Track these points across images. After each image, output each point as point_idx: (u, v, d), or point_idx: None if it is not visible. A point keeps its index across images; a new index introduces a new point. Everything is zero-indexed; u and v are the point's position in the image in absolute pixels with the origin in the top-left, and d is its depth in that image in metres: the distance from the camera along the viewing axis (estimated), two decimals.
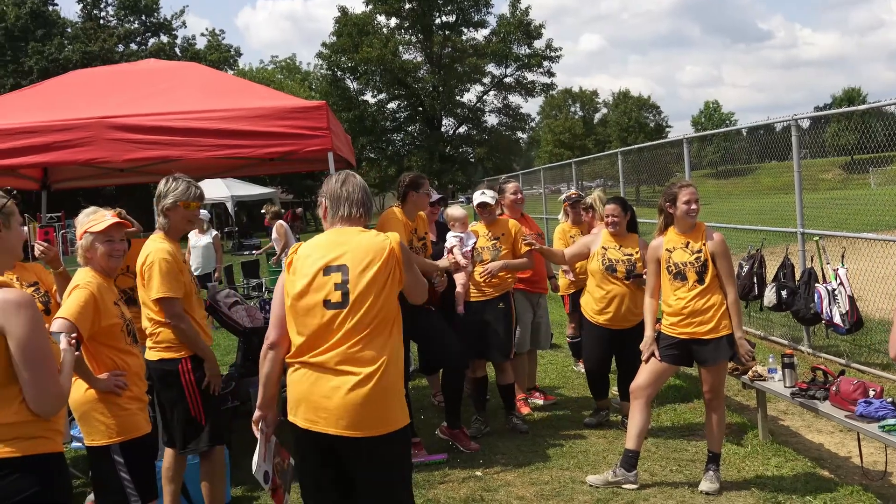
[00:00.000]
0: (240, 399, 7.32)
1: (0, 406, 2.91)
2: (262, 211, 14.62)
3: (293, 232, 14.54)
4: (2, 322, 2.84)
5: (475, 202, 7.10)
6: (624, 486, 5.61)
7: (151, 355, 4.82)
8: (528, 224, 7.72)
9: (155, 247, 4.83)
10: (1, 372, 2.89)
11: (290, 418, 3.53)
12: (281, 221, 13.96)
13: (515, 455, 6.45)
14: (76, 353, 3.67)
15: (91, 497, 5.73)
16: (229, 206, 35.67)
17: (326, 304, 3.45)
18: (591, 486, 5.68)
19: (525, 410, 7.49)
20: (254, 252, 28.48)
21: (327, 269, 3.49)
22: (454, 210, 7.08)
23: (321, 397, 3.42)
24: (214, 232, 13.40)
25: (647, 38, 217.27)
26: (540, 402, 7.83)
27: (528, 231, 7.41)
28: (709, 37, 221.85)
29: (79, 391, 4.06)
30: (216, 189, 32.89)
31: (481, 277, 6.82)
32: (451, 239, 6.75)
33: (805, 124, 9.72)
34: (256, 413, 3.81)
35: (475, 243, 6.87)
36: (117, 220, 4.32)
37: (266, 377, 3.71)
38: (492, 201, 7.02)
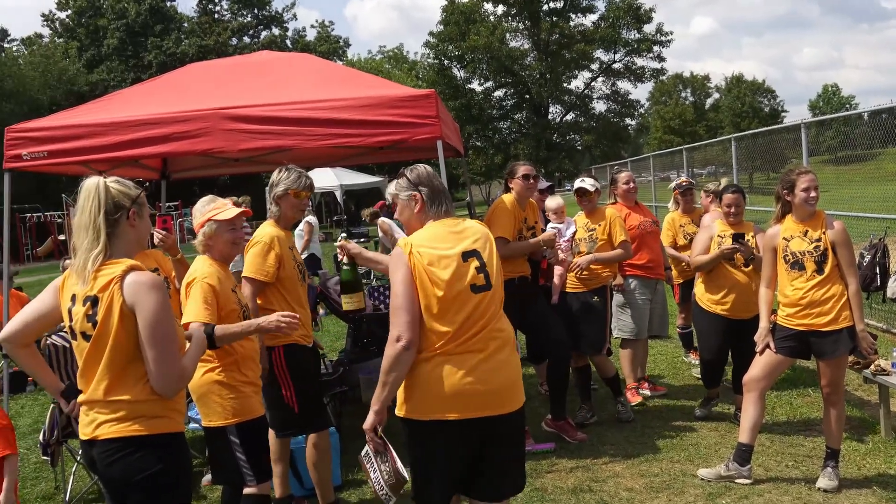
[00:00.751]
0: (349, 385, 7.45)
1: (127, 383, 3.08)
2: (363, 217, 14.85)
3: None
4: (133, 301, 3.00)
5: (574, 188, 7.07)
6: (737, 480, 5.47)
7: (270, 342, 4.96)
8: (642, 213, 7.61)
9: (265, 231, 5.03)
10: (130, 350, 3.05)
11: (435, 415, 3.48)
12: (381, 218, 14.07)
13: (624, 446, 6.37)
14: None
15: (207, 477, 5.94)
16: (338, 194, 36.22)
17: (473, 288, 3.52)
18: (702, 479, 5.57)
19: (637, 399, 7.38)
20: (361, 240, 28.88)
21: (465, 256, 3.54)
22: (550, 201, 7.06)
23: (480, 382, 3.48)
24: (309, 217, 13.61)
25: (762, 19, 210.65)
26: (647, 392, 7.71)
27: (638, 220, 7.33)
28: (829, 17, 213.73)
29: (197, 374, 4.21)
30: (325, 178, 33.43)
31: (572, 272, 6.78)
32: (549, 230, 6.70)
33: None
34: (373, 418, 3.58)
35: (574, 234, 6.82)
36: (243, 209, 4.45)
37: (396, 379, 3.50)
38: (590, 188, 6.93)
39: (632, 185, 7.62)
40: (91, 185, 3.14)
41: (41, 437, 5.95)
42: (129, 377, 3.07)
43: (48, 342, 6.03)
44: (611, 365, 7.13)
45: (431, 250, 3.52)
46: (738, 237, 6.37)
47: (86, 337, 3.08)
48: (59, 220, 34.65)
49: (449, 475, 3.59)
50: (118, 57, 55.51)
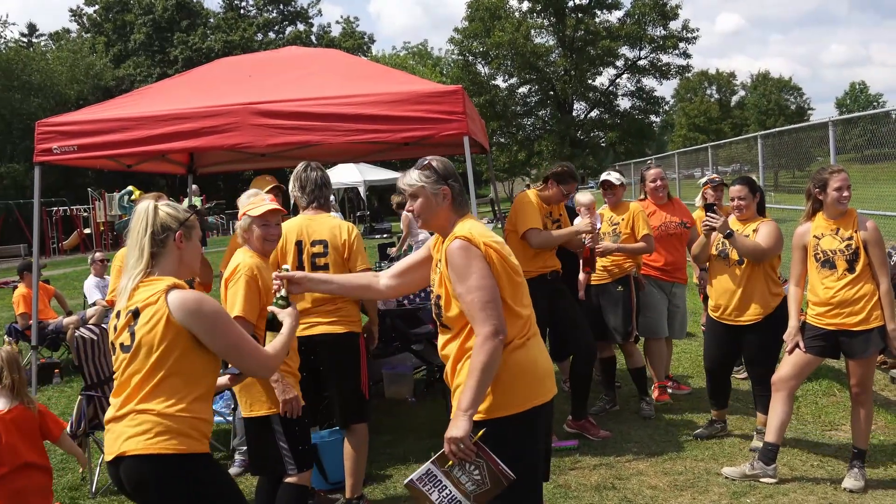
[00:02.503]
0: (372, 379, 7.47)
1: (161, 396, 3.11)
2: (392, 202, 14.78)
3: None
4: (185, 321, 3.09)
5: (599, 181, 7.08)
6: (762, 479, 5.44)
7: (335, 328, 5.02)
8: (674, 211, 7.46)
9: (348, 222, 5.27)
10: (171, 363, 3.11)
11: (537, 401, 3.44)
12: (405, 212, 14.00)
13: (648, 444, 6.35)
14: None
15: (231, 470, 5.97)
16: (361, 190, 36.27)
17: None
18: (727, 478, 5.54)
19: (664, 398, 7.36)
20: (384, 235, 28.95)
21: None
22: (582, 196, 7.06)
23: (549, 360, 3.61)
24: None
25: (789, 16, 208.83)
26: (669, 391, 7.69)
27: (661, 220, 7.26)
28: (857, 13, 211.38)
29: None
30: (349, 174, 33.48)
31: (598, 255, 6.81)
32: (579, 222, 6.75)
33: None
34: (468, 424, 3.26)
35: (600, 229, 6.84)
36: (275, 205, 4.47)
37: (492, 375, 3.28)
38: (616, 181, 6.99)
39: (659, 182, 7.48)
40: (142, 207, 3.26)
41: (68, 429, 5.99)
42: (165, 389, 3.11)
43: (76, 334, 6.10)
44: (640, 356, 7.18)
45: (493, 239, 3.43)
46: (709, 207, 5.97)
47: (125, 349, 3.15)
48: (85, 214, 34.91)
49: (539, 459, 3.53)
50: (145, 52, 55.91)
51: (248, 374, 3.35)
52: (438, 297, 3.48)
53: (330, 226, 5.14)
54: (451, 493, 3.33)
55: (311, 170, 5.28)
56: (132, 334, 3.12)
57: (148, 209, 3.24)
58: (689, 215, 7.51)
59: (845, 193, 5.25)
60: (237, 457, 6.07)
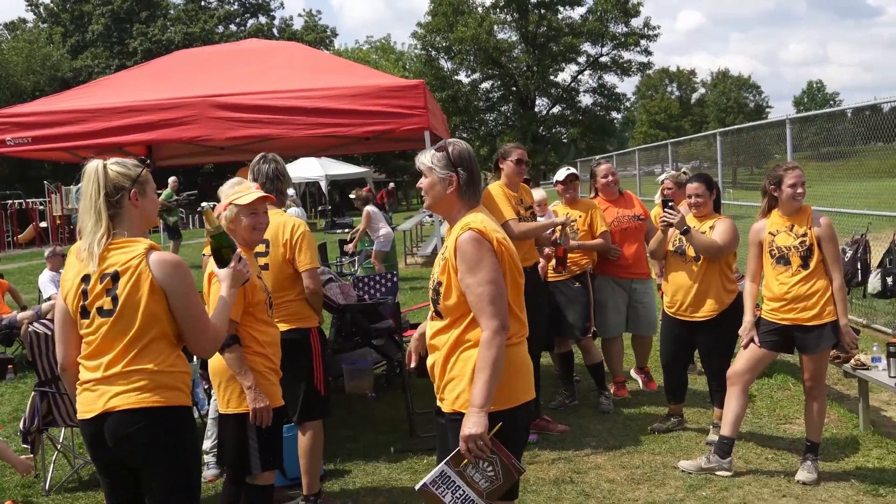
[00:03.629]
0: (332, 375, 7.45)
1: (150, 355, 3.22)
2: (351, 196, 14.74)
3: (385, 210, 14.64)
4: (165, 279, 3.18)
5: (563, 175, 7.11)
6: (717, 472, 5.51)
7: (283, 326, 4.94)
8: (627, 206, 7.42)
9: (296, 219, 5.13)
10: (158, 323, 3.21)
11: (528, 396, 3.49)
12: (368, 208, 13.93)
13: (606, 438, 6.41)
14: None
15: (207, 473, 5.90)
16: (323, 184, 36.15)
17: None
18: (683, 471, 5.61)
19: (622, 393, 7.42)
20: (345, 230, 28.87)
21: None
22: (535, 193, 7.08)
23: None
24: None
25: (749, 14, 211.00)
26: (640, 382, 7.76)
27: (613, 216, 7.26)
28: (816, 13, 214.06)
29: (221, 360, 4.20)
30: (310, 168, 33.38)
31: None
32: (554, 218, 6.79)
33: None
34: (485, 421, 3.23)
35: (573, 223, 6.88)
36: (263, 193, 4.42)
37: (501, 370, 3.29)
38: (574, 177, 7.07)
39: (610, 177, 7.43)
40: (91, 168, 3.26)
41: (21, 426, 5.92)
42: (154, 349, 3.22)
43: (30, 329, 6.00)
44: (597, 351, 7.23)
45: (507, 239, 3.46)
46: (666, 203, 6.01)
47: (104, 312, 3.19)
48: (41, 207, 34.36)
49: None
50: (103, 43, 55.11)
51: (194, 350, 3.34)
52: (440, 283, 3.46)
53: (275, 223, 4.93)
54: (465, 493, 3.28)
55: (265, 162, 5.18)
56: (114, 298, 3.17)
57: (98, 170, 3.24)
58: (642, 207, 7.51)
59: (799, 190, 5.32)
60: (210, 459, 5.93)
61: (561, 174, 7.13)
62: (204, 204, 3.58)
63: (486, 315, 3.29)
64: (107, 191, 3.22)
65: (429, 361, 3.58)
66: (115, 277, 3.17)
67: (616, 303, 7.30)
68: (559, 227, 6.54)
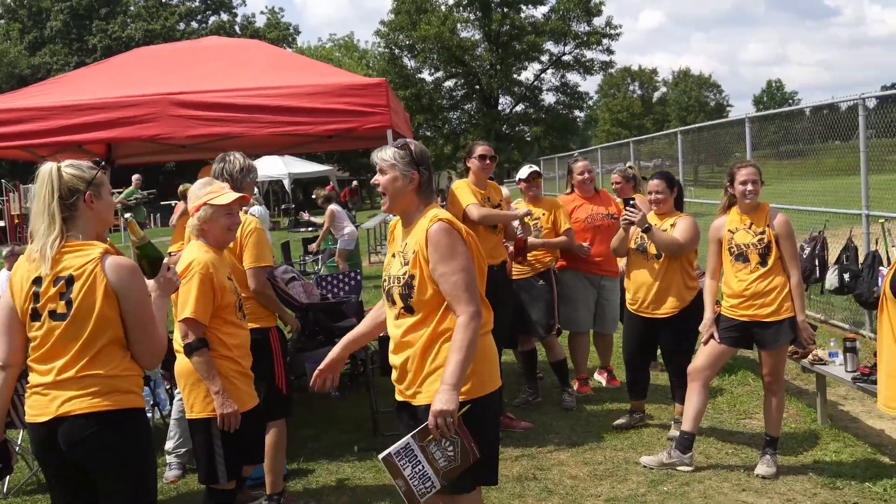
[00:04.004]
0: (295, 374, 7.41)
1: (103, 359, 3.19)
2: (313, 196, 14.65)
3: (349, 208, 14.58)
4: (119, 284, 3.15)
5: (525, 174, 7.16)
6: (678, 467, 5.57)
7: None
8: (601, 203, 7.50)
9: (250, 217, 5.09)
10: (111, 328, 3.18)
11: (497, 384, 3.62)
12: (331, 206, 13.86)
13: (569, 435, 6.45)
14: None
15: (169, 474, 5.85)
16: (286, 183, 35.95)
17: None
18: (644, 467, 5.66)
19: (585, 390, 7.48)
20: (309, 229, 28.71)
21: None
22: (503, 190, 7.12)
23: None
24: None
25: (710, 14, 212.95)
26: (603, 382, 7.82)
27: (587, 213, 7.32)
28: (775, 13, 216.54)
29: (188, 362, 4.15)
30: (273, 166, 33.15)
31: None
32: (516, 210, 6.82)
33: (872, 104, 9.50)
34: (458, 398, 3.33)
35: (530, 215, 6.91)
36: (240, 194, 4.38)
37: (474, 353, 3.39)
38: (537, 174, 7.14)
39: (586, 175, 7.52)
40: (45, 171, 3.21)
41: None
42: (107, 353, 3.19)
43: None
44: (560, 349, 7.25)
45: (470, 231, 3.56)
46: (627, 202, 6.05)
47: (56, 316, 3.15)
48: None
49: None
50: (62, 40, 54.34)
51: (139, 357, 3.27)
52: (412, 277, 3.48)
53: None
54: (423, 468, 3.39)
55: (219, 161, 5.14)
56: (68, 302, 3.13)
57: (52, 173, 3.20)
58: (616, 206, 7.53)
59: (750, 187, 5.39)
60: (173, 459, 5.89)
61: (524, 172, 7.18)
62: (127, 215, 3.53)
63: (462, 301, 3.39)
64: (61, 193, 3.18)
65: (397, 360, 3.59)
66: (70, 281, 3.13)
67: (586, 298, 7.40)
68: (521, 218, 6.57)
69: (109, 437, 3.17)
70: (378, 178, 3.58)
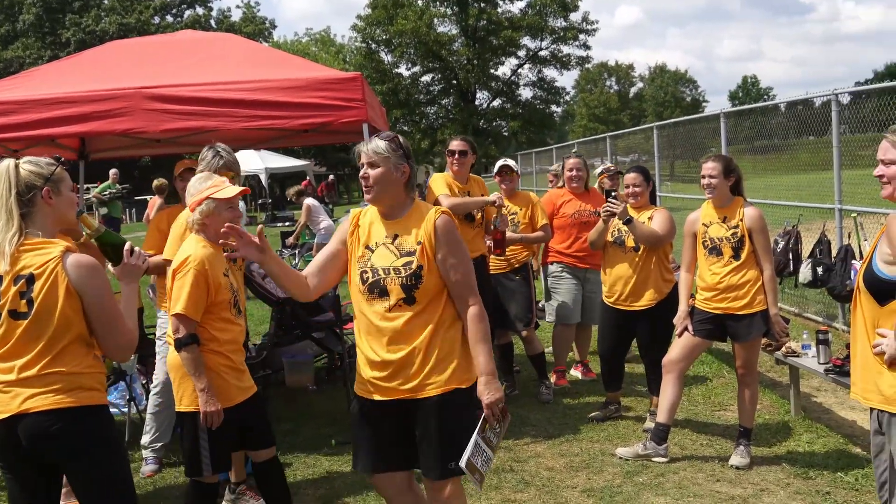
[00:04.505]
0: (272, 368, 7.41)
1: (66, 357, 3.16)
2: (287, 196, 14.61)
3: (326, 202, 14.53)
4: (80, 282, 3.14)
5: (497, 167, 7.22)
6: (654, 459, 5.62)
7: None
8: (590, 200, 7.51)
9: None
10: (74, 326, 3.16)
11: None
12: (308, 201, 13.82)
13: (546, 427, 6.48)
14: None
15: (146, 468, 5.82)
16: (263, 178, 35.79)
17: None
18: (620, 458, 5.70)
19: (563, 382, 7.53)
20: (286, 223, 28.61)
21: None
22: None
23: None
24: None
25: (686, 10, 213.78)
26: (579, 376, 7.87)
27: (574, 209, 7.35)
28: (750, 9, 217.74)
29: (178, 356, 4.15)
30: (250, 161, 32.99)
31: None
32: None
33: (845, 99, 9.59)
34: (500, 387, 3.62)
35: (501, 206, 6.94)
36: (242, 188, 4.36)
37: None
38: (514, 167, 7.19)
39: (576, 172, 7.55)
40: (2, 168, 3.20)
41: None
42: (70, 352, 3.17)
43: None
44: (538, 342, 7.30)
45: None
46: (608, 194, 6.10)
47: (17, 315, 3.12)
48: None
49: None
50: (34, 34, 53.72)
51: (108, 352, 3.30)
52: (420, 267, 3.50)
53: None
54: (487, 454, 3.55)
55: (213, 155, 5.11)
56: (29, 301, 3.11)
57: (9, 169, 3.19)
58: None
59: (705, 181, 5.47)
60: (149, 454, 5.85)
61: (497, 165, 7.25)
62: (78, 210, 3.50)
63: (471, 291, 3.57)
64: (18, 189, 3.16)
65: (393, 355, 3.53)
66: (31, 280, 3.12)
67: (572, 291, 7.45)
68: (496, 210, 6.58)
69: (74, 433, 3.15)
70: (368, 171, 3.53)
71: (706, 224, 5.56)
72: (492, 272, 6.99)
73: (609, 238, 6.21)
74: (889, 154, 3.19)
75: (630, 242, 6.09)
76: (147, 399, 6.14)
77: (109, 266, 3.55)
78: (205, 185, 4.32)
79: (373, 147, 3.54)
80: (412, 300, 3.50)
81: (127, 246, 3.43)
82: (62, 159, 3.39)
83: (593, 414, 6.64)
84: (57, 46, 51.63)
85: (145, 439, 5.85)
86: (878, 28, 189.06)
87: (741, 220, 5.44)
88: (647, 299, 6.09)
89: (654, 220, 6.07)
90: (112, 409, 6.29)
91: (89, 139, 8.29)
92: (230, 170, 5.10)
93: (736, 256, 5.43)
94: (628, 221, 5.94)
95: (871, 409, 3.27)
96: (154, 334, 6.27)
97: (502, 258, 6.99)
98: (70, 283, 3.12)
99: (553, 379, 7.48)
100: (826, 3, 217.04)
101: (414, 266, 3.49)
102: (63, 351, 3.14)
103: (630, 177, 6.26)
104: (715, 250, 5.49)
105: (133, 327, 3.35)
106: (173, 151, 9.52)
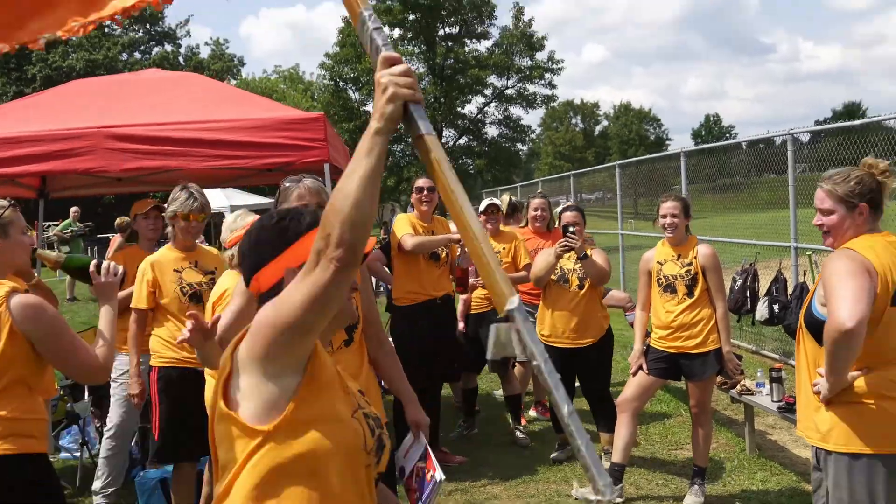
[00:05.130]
0: None
1: (3, 400, 3.10)
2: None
3: None
4: (26, 324, 3.10)
5: (484, 206, 7.20)
6: None
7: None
8: (553, 239, 7.28)
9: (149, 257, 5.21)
10: (14, 368, 3.12)
11: None
12: None
13: (503, 468, 6.49)
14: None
15: None
16: (228, 215, 35.71)
17: None
18: (577, 498, 5.73)
19: (522, 421, 7.55)
20: None
21: None
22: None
23: None
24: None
25: (651, 49, 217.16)
26: (534, 414, 7.91)
27: (534, 246, 7.40)
28: (713, 50, 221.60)
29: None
30: (215, 199, 32.66)
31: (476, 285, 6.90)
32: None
33: (805, 138, 9.79)
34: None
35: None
36: None
37: None
38: (495, 207, 7.18)
39: (539, 212, 7.65)
40: None
41: None
42: (8, 395, 3.11)
43: None
44: (516, 382, 7.34)
45: None
46: (566, 229, 6.02)
47: None
48: None
49: None
50: (0, 69, 53.44)
51: (80, 378, 3.38)
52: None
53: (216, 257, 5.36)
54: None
55: (189, 197, 5.27)
56: None
57: None
58: None
59: (668, 221, 5.56)
60: (100, 500, 5.73)
61: (483, 205, 7.23)
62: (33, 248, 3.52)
63: None
64: None
65: None
66: None
67: (531, 328, 7.43)
68: (459, 248, 6.57)
69: (7, 482, 3.07)
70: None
71: (661, 262, 5.66)
72: (473, 310, 7.05)
73: (552, 277, 6.25)
74: (826, 203, 3.29)
75: (574, 280, 6.17)
76: (100, 443, 6.08)
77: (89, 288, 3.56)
78: (240, 224, 4.41)
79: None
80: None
81: (92, 265, 3.41)
82: (12, 202, 3.38)
83: (554, 454, 6.64)
84: (22, 83, 51.28)
85: (97, 485, 5.76)
86: (838, 68, 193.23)
87: (695, 257, 5.54)
88: (590, 335, 6.17)
89: (596, 258, 6.17)
90: (64, 454, 6.28)
91: (50, 178, 8.27)
92: (202, 211, 5.16)
93: (690, 294, 5.52)
94: (585, 257, 6.01)
95: (812, 446, 3.35)
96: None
97: (485, 297, 6.99)
98: (14, 323, 3.07)
99: (538, 411, 7.76)
100: (787, 43, 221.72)
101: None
102: (1, 394, 3.09)
103: (569, 216, 6.25)
104: (669, 287, 5.58)
105: (107, 349, 3.31)
106: (136, 190, 9.51)
